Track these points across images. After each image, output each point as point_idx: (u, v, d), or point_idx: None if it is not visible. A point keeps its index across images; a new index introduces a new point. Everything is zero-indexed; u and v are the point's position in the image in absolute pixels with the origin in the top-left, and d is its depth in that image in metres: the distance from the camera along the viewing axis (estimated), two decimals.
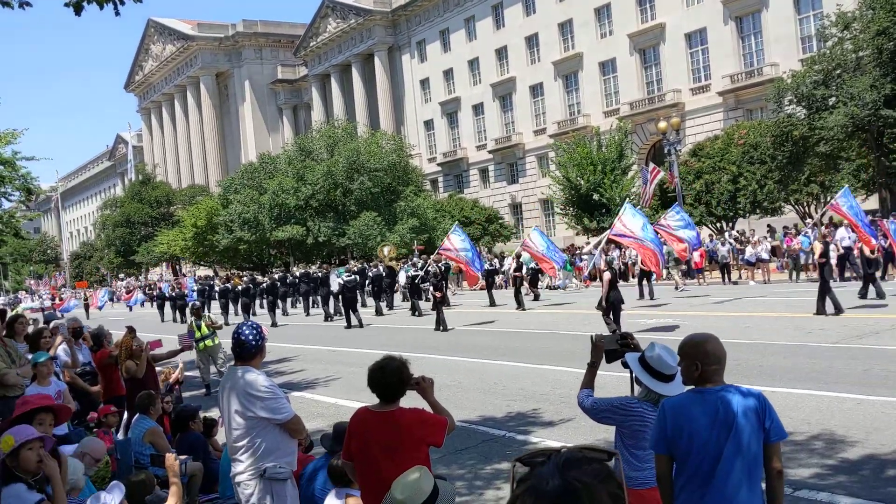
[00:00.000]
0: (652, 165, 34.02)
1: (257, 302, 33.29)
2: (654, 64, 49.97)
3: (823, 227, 24.26)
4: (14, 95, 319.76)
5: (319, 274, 32.31)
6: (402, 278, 29.44)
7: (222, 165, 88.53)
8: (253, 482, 4.60)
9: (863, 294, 18.51)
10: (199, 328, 14.02)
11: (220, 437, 7.84)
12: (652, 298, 23.91)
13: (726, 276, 28.61)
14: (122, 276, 79.35)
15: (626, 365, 4.34)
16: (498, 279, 33.27)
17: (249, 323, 4.85)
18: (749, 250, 27.95)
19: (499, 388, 11.77)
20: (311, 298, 33.30)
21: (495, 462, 7.82)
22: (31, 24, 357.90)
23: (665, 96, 48.31)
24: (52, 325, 11.60)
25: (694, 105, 47.07)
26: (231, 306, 33.71)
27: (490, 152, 61.37)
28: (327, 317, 28.46)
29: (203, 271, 65.97)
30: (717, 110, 45.77)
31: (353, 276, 25.68)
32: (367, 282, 31.58)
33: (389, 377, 4.12)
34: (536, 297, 27.98)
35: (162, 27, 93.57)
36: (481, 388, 11.82)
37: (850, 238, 23.05)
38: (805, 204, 33.23)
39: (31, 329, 9.98)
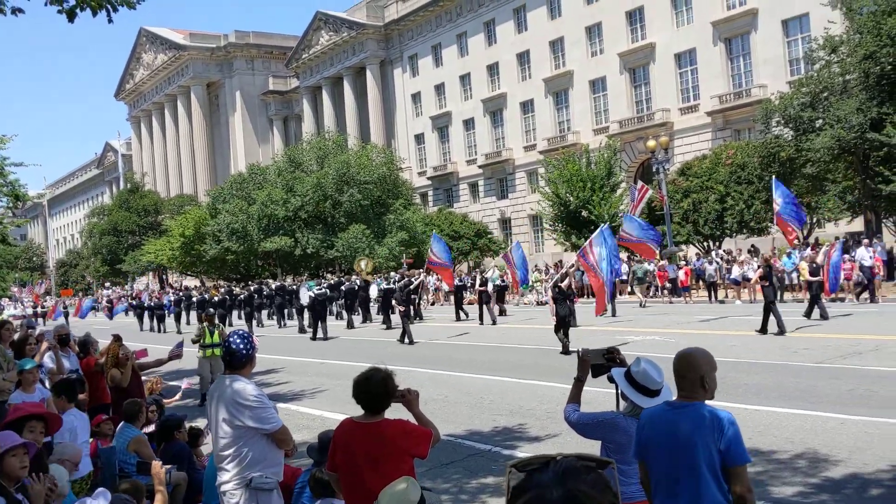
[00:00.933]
0: (640, 183, 34.19)
1: (234, 313, 33.65)
2: (644, 83, 50.37)
3: (809, 249, 24.56)
4: (3, 101, 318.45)
5: (295, 287, 32.64)
6: (373, 292, 29.88)
7: (211, 175, 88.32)
8: (238, 492, 4.58)
9: (807, 314, 19.28)
10: (211, 334, 13.90)
11: (206, 447, 7.82)
12: (614, 315, 24.30)
13: (713, 294, 28.76)
14: (108, 284, 78.81)
15: (612, 380, 4.37)
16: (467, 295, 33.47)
17: (240, 332, 4.84)
18: (735, 270, 28.09)
19: (485, 402, 11.77)
20: (285, 311, 33.82)
21: (481, 476, 7.82)
22: (23, 30, 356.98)
23: (654, 115, 48.66)
24: (38, 331, 11.54)
25: (682, 124, 47.44)
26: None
27: (480, 167, 61.57)
28: (301, 328, 28.84)
29: (190, 281, 65.64)
30: (706, 130, 46.13)
31: (323, 290, 26.37)
32: (340, 295, 31.87)
33: (374, 388, 4.14)
34: (502, 313, 28.48)
35: (154, 36, 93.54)
36: (468, 403, 11.82)
37: (870, 258, 23.38)
38: None
39: (16, 336, 9.92)
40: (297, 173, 53.22)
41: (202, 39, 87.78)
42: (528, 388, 12.72)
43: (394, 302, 22.25)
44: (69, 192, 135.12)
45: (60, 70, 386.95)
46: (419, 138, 68.34)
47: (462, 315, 28.18)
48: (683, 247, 35.86)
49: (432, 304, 36.81)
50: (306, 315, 28.38)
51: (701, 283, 30.33)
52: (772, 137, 30.35)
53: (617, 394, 4.47)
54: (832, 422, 8.97)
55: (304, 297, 26.82)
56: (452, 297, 30.74)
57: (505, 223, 60.51)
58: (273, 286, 36.48)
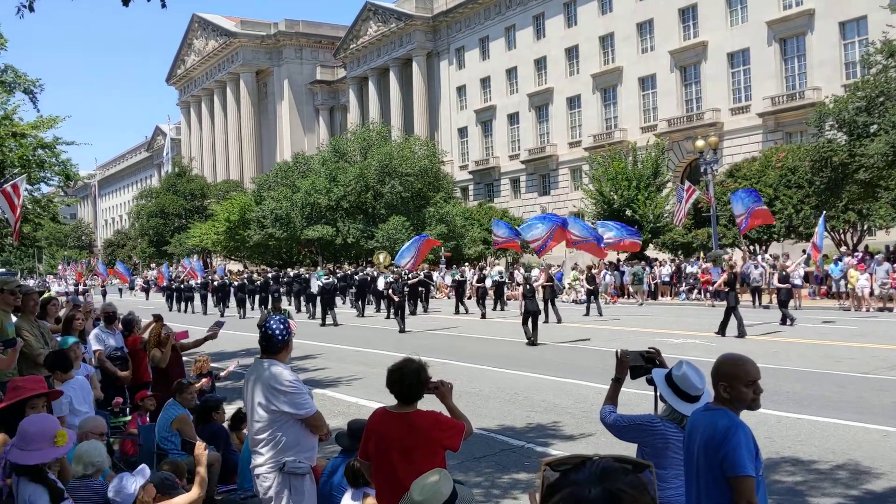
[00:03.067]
0: (688, 184, 33.72)
1: (256, 298, 35.59)
2: (695, 82, 49.62)
3: (781, 258, 24.93)
4: (58, 83, 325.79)
5: (308, 276, 33.83)
6: (380, 284, 30.85)
7: (257, 162, 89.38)
8: (272, 475, 4.63)
9: (783, 321, 20.19)
10: None
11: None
12: (600, 315, 25.71)
13: (757, 299, 28.23)
14: (153, 266, 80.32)
15: (651, 382, 4.29)
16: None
17: (278, 317, 4.88)
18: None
19: (519, 398, 11.72)
20: (301, 298, 35.03)
21: (513, 472, 7.79)
22: (82, 13, 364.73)
23: (704, 115, 47.91)
24: (83, 304, 11.76)
25: (733, 125, 46.63)
26: (231, 300, 36.11)
27: (523, 162, 61.28)
28: (311, 315, 30.10)
29: (233, 265, 66.61)
30: (756, 132, 45.29)
31: (331, 279, 27.92)
32: (352, 285, 33.29)
33: (408, 378, 4.15)
34: (502, 308, 30.60)
35: (206, 23, 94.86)
36: (501, 398, 11.79)
37: None
38: (842, 231, 32.73)
39: (62, 312, 10.15)
40: (341, 163, 53.62)
41: (252, 27, 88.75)
42: (563, 386, 12.64)
43: (390, 291, 23.48)
44: (119, 173, 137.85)
45: (115, 54, 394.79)
46: (462, 132, 68.26)
47: (462, 309, 29.74)
48: (729, 250, 35.29)
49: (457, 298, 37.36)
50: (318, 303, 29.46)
51: (745, 286, 29.75)
52: (824, 141, 29.68)
53: (655, 396, 4.39)
54: (875, 434, 8.75)
55: (314, 285, 28.23)
56: (454, 292, 32.81)
57: None
58: (291, 274, 37.97)
